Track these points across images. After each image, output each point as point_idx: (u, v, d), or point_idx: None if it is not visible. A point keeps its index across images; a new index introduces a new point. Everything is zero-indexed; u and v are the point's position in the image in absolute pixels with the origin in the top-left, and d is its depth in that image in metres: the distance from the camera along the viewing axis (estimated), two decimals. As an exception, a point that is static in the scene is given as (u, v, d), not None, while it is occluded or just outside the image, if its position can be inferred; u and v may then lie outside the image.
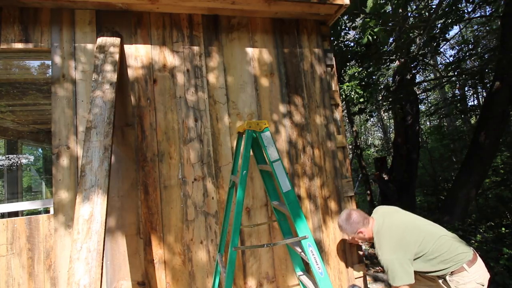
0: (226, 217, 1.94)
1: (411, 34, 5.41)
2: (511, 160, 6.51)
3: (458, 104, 7.57)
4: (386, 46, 5.91)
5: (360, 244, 2.32)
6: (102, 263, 1.42)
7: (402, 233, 1.82)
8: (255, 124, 1.64)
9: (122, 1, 2.08)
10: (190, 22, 2.33)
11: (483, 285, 1.76)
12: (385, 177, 6.43)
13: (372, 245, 5.65)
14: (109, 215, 1.92)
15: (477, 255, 1.84)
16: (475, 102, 12.71)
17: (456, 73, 6.22)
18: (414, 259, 1.80)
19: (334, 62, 2.67)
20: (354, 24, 5.46)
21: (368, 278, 4.03)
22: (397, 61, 6.21)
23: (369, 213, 2.12)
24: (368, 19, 4.06)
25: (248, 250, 2.16)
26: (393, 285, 1.75)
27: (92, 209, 1.51)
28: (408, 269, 1.73)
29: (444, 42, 6.64)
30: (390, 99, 6.37)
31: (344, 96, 5.83)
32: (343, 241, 2.40)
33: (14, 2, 1.97)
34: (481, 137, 4.40)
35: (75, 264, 1.38)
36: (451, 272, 1.78)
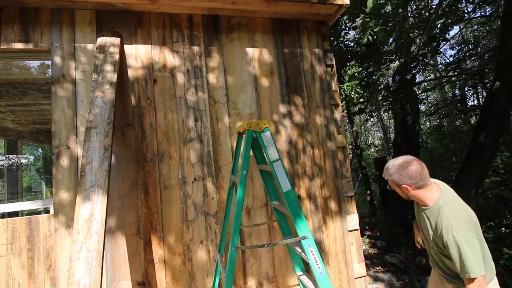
0: (226, 217, 1.94)
1: (411, 34, 5.42)
2: (511, 160, 6.52)
3: (458, 104, 7.58)
4: (386, 46, 5.91)
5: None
6: (102, 263, 1.42)
7: (469, 213, 1.51)
8: (255, 124, 1.64)
9: (122, 1, 2.08)
10: (190, 22, 2.33)
11: None
12: (385, 177, 6.42)
13: (372, 245, 5.65)
14: (109, 215, 1.92)
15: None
16: (475, 102, 12.70)
17: (456, 73, 6.22)
18: None
19: (334, 62, 2.67)
20: (354, 24, 5.46)
21: (368, 278, 4.03)
22: (397, 61, 6.22)
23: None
24: (368, 19, 4.06)
25: (248, 250, 2.16)
26: (466, 277, 1.37)
27: (92, 209, 1.51)
28: (479, 255, 1.39)
29: (444, 42, 6.65)
30: (390, 99, 6.37)
31: (344, 96, 5.83)
32: (343, 241, 2.40)
33: (14, 2, 1.97)
34: (481, 137, 4.40)
35: (75, 264, 1.38)
36: None
